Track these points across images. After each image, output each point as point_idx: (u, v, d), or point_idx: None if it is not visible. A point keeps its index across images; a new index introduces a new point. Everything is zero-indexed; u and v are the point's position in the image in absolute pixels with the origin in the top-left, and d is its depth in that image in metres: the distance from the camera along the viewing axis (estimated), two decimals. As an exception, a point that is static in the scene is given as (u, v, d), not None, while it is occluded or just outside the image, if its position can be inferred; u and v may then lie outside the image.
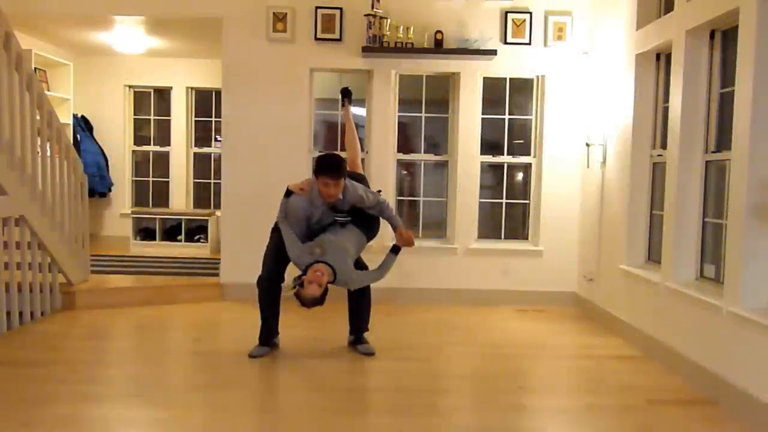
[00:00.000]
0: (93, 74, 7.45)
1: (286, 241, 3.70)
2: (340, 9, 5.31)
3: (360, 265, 3.94)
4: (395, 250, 3.91)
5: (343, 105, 4.71)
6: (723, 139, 3.65)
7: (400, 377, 3.66)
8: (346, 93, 4.70)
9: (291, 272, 3.80)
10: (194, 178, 7.78)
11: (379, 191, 4.14)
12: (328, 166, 3.64)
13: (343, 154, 4.84)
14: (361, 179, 4.14)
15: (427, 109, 5.65)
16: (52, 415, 2.96)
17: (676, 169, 3.81)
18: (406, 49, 5.24)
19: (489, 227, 5.70)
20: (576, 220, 5.50)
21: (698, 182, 3.79)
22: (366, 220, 3.94)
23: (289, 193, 3.74)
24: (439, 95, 5.64)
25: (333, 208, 3.79)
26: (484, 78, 5.49)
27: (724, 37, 3.65)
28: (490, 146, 5.61)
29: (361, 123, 5.52)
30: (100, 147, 7.44)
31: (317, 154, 5.46)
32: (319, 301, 3.55)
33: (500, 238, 5.70)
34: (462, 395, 3.49)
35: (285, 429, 2.94)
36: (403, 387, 3.49)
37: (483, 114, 5.52)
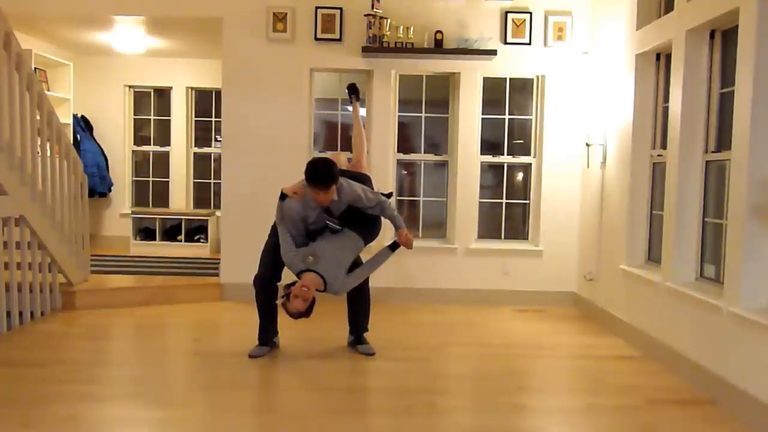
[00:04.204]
0: (93, 74, 7.45)
1: (281, 244, 3.69)
2: (340, 9, 5.31)
3: (357, 265, 3.90)
4: (393, 246, 3.89)
5: (350, 102, 4.67)
6: (723, 139, 3.65)
7: (400, 377, 3.66)
8: (352, 89, 4.63)
9: (287, 272, 3.80)
10: (194, 178, 7.78)
11: (390, 194, 4.12)
12: (316, 177, 3.54)
13: (347, 154, 4.86)
14: (364, 179, 4.06)
15: (427, 109, 5.65)
16: (52, 415, 2.96)
17: (676, 169, 3.81)
18: (406, 49, 5.24)
19: (489, 227, 5.70)
20: (576, 220, 5.50)
21: (698, 182, 3.79)
22: (365, 224, 3.90)
23: (284, 196, 3.71)
24: (439, 95, 5.64)
25: (328, 211, 3.76)
26: (484, 78, 5.49)
27: (724, 37, 3.65)
28: (490, 146, 5.61)
29: (362, 123, 5.51)
30: (100, 147, 7.43)
31: (317, 154, 5.48)
32: (304, 314, 3.58)
33: (500, 238, 5.70)
34: (462, 395, 3.49)
35: (285, 429, 2.94)
36: (403, 387, 3.49)
37: (483, 114, 5.52)
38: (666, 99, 4.20)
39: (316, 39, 5.35)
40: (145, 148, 7.79)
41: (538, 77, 5.50)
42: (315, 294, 3.59)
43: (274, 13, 5.33)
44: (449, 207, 5.64)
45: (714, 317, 3.36)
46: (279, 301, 3.60)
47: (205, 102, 7.71)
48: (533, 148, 5.59)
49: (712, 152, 3.72)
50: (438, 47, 5.29)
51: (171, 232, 7.22)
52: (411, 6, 5.34)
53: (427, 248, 5.48)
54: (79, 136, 7.22)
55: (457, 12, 5.36)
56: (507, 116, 5.61)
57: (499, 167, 5.68)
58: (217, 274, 5.63)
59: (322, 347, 4.18)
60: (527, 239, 5.68)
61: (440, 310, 5.25)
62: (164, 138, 7.73)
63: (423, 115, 5.65)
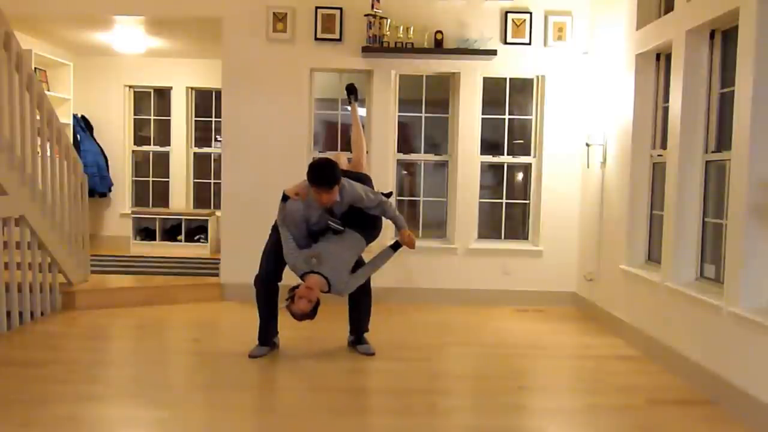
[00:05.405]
0: (93, 74, 7.45)
1: (284, 246, 3.68)
2: (340, 9, 5.31)
3: (359, 264, 3.92)
4: (395, 246, 3.90)
5: (349, 103, 4.67)
6: (723, 139, 3.65)
7: (400, 377, 3.66)
8: (351, 90, 4.63)
9: (288, 272, 3.80)
10: (194, 178, 7.78)
11: (390, 193, 4.12)
12: (319, 178, 3.55)
13: (347, 154, 4.86)
14: (365, 179, 4.07)
15: (427, 109, 5.65)
16: (52, 415, 2.96)
17: (676, 169, 3.81)
18: (406, 49, 5.24)
19: (489, 227, 5.70)
20: (576, 220, 5.50)
21: (698, 182, 3.79)
22: (367, 224, 3.90)
23: (285, 198, 3.70)
24: (439, 95, 5.63)
25: (330, 211, 3.76)
26: (484, 78, 5.49)
27: (724, 37, 3.65)
28: (490, 146, 5.61)
29: (361, 123, 5.51)
30: (100, 147, 7.43)
31: (317, 154, 5.48)
32: (309, 315, 3.57)
33: (500, 238, 5.70)
34: (462, 395, 3.49)
35: (285, 429, 2.94)
36: (403, 387, 3.49)
37: (483, 114, 5.52)
38: (666, 99, 4.20)
39: (316, 39, 5.35)
40: (145, 148, 7.79)
41: (538, 77, 5.50)
42: (319, 295, 3.59)
43: (274, 13, 5.33)
44: (449, 207, 5.64)
45: (714, 317, 3.36)
46: (283, 305, 3.60)
47: (205, 102, 7.71)
48: (533, 148, 5.59)
49: (712, 152, 3.72)
50: (438, 47, 5.30)
51: (171, 232, 7.22)
52: (411, 6, 5.34)
53: (427, 248, 5.47)
54: (79, 136, 7.22)
55: (457, 12, 5.36)
56: (507, 116, 5.61)
57: (499, 167, 5.68)
58: (217, 274, 5.63)
59: (322, 347, 4.18)
60: (527, 239, 5.68)
61: (440, 310, 5.25)
62: (164, 138, 7.73)
63: (423, 115, 5.65)
